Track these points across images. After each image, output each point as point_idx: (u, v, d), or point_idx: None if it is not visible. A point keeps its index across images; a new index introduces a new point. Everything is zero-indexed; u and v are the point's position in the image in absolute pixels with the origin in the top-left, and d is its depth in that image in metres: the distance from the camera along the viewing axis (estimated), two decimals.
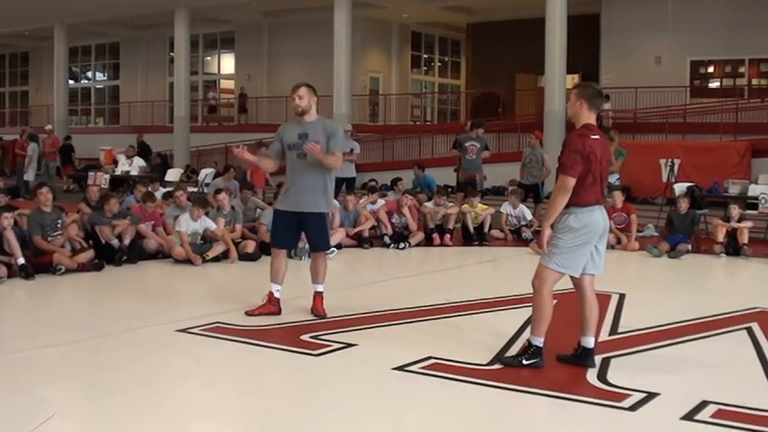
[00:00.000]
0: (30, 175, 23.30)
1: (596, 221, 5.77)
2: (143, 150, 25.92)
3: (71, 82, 38.22)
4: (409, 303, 8.22)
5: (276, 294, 7.56)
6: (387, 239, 12.85)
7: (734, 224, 12.18)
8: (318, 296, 7.60)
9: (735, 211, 12.26)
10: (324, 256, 7.72)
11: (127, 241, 10.71)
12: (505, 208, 14.11)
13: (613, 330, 7.18)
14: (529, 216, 14.13)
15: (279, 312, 7.50)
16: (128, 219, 10.97)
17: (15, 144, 26.18)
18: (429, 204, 13.88)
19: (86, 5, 30.28)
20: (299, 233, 7.74)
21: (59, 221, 10.11)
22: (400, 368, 5.80)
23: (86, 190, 13.55)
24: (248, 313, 7.45)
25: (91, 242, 10.65)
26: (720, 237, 12.12)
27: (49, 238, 9.92)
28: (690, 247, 12.33)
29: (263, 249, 11.52)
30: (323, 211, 7.52)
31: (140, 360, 6.16)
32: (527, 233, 13.52)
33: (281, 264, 7.61)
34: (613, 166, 13.90)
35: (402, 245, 12.67)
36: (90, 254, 10.19)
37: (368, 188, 15.80)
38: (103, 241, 10.65)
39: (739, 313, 7.99)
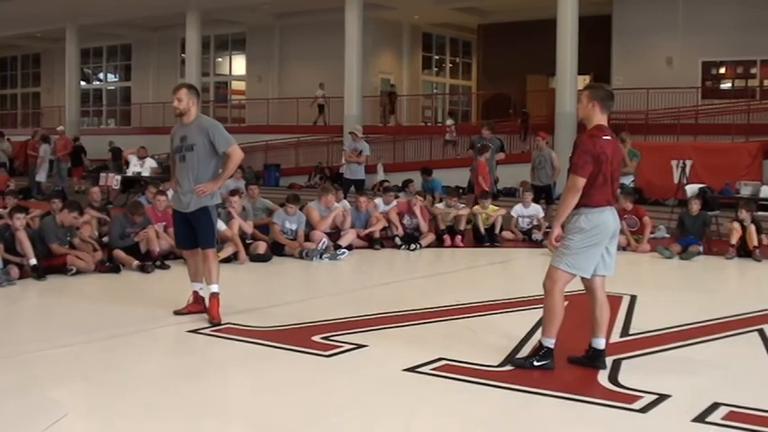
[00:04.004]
0: (41, 176, 23.39)
1: (607, 222, 5.76)
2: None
3: (83, 83, 38.40)
4: (420, 304, 8.21)
5: (200, 292, 7.59)
6: (398, 240, 12.85)
7: (746, 224, 12.06)
8: (214, 298, 7.36)
9: (743, 214, 12.16)
10: (212, 254, 7.47)
11: (157, 249, 10.57)
12: (516, 210, 14.09)
13: (624, 332, 7.16)
14: (542, 214, 14.10)
15: (205, 310, 7.45)
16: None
17: (27, 145, 26.28)
18: (440, 205, 13.87)
19: (98, 7, 30.41)
20: (194, 232, 7.54)
21: (68, 235, 10.11)
22: (411, 369, 5.80)
23: (88, 192, 13.50)
24: (177, 312, 7.50)
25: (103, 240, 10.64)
26: (734, 240, 12.03)
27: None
28: (701, 248, 12.29)
29: (275, 250, 11.57)
30: (204, 205, 7.35)
31: (152, 360, 6.20)
32: (537, 235, 13.49)
33: (194, 263, 7.64)
34: (628, 167, 13.88)
35: (413, 246, 12.67)
36: (100, 255, 10.24)
37: (382, 188, 15.77)
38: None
39: (751, 315, 7.95)
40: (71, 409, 4.95)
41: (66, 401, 5.10)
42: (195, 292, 7.62)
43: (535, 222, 13.94)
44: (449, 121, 28.59)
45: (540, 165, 15.66)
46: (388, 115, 30.30)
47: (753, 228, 12.02)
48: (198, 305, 7.57)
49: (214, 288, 7.38)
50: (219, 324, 7.15)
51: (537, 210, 14.13)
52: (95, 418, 4.90)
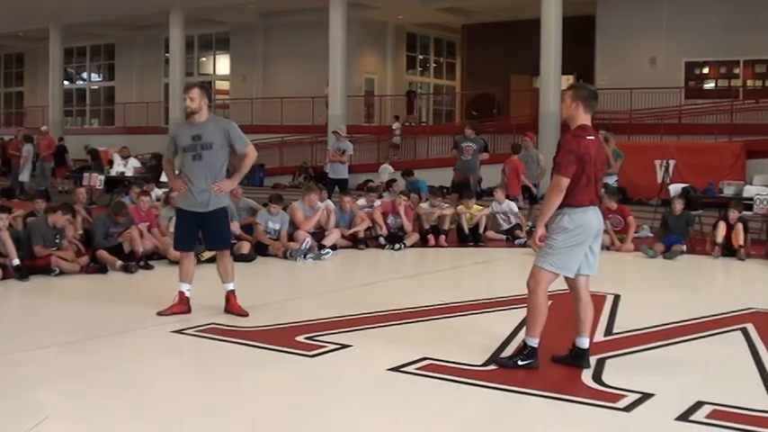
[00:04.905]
0: (25, 177, 23.27)
1: (590, 222, 5.78)
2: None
3: (66, 83, 38.16)
4: (404, 304, 8.22)
5: (187, 293, 7.62)
6: (382, 240, 12.85)
7: (733, 223, 12.07)
8: (232, 294, 7.66)
9: (733, 214, 12.19)
10: (228, 255, 7.78)
11: (141, 249, 10.54)
12: (492, 207, 14.14)
13: (608, 331, 7.19)
14: (515, 209, 14.14)
15: (189, 311, 7.54)
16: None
17: (10, 145, 26.13)
18: (424, 205, 13.89)
19: (81, 7, 30.25)
20: (196, 233, 7.69)
21: (58, 236, 10.08)
22: (395, 369, 5.80)
23: (74, 192, 13.47)
24: (160, 313, 7.49)
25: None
26: (720, 238, 12.05)
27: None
28: (685, 247, 12.34)
29: (259, 250, 11.55)
30: (222, 206, 7.57)
31: (135, 361, 6.16)
32: (521, 236, 13.46)
33: (189, 264, 7.69)
34: (613, 167, 13.95)
35: (397, 246, 12.67)
36: (85, 258, 10.21)
37: (366, 188, 15.77)
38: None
39: (734, 314, 8.00)
40: (54, 410, 4.93)
41: (50, 402, 5.08)
42: (181, 293, 7.60)
43: (513, 220, 13.96)
44: (395, 125, 28.08)
45: (526, 165, 15.69)
46: (408, 115, 30.09)
47: (740, 226, 12.07)
48: (182, 306, 7.56)
49: (231, 286, 7.66)
50: (246, 316, 7.44)
51: (510, 206, 14.16)
52: (79, 420, 4.87)
